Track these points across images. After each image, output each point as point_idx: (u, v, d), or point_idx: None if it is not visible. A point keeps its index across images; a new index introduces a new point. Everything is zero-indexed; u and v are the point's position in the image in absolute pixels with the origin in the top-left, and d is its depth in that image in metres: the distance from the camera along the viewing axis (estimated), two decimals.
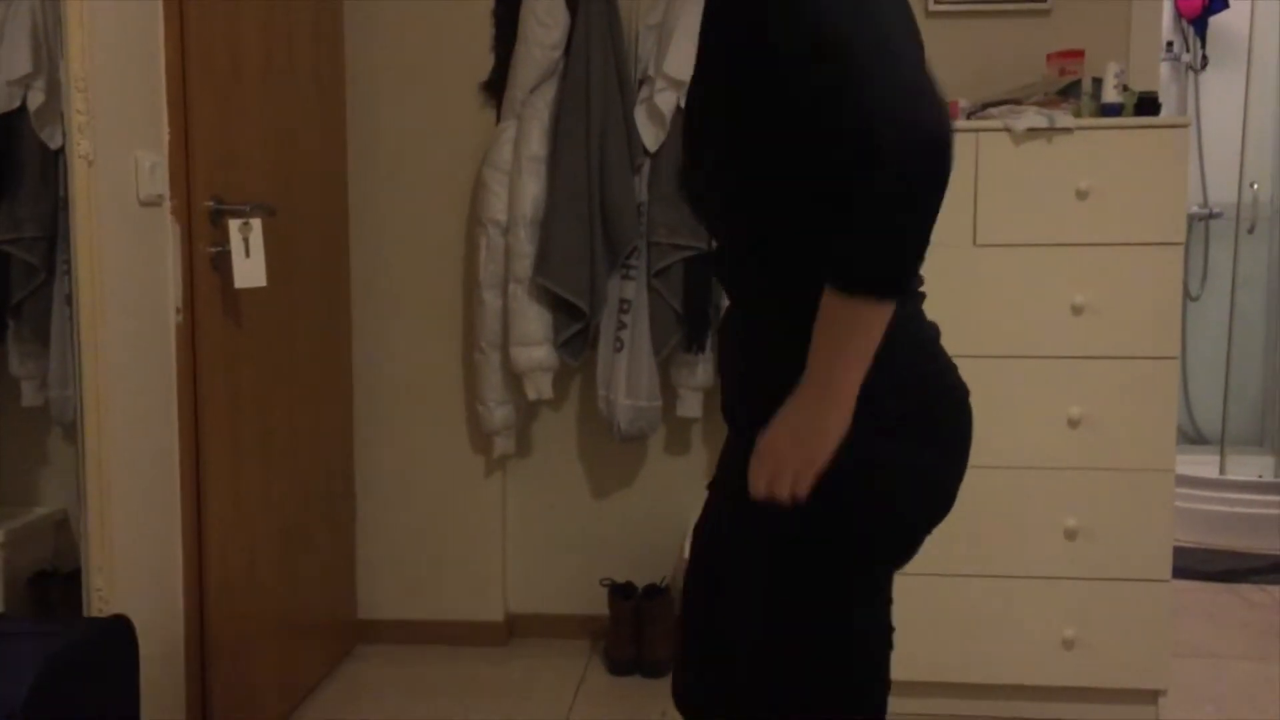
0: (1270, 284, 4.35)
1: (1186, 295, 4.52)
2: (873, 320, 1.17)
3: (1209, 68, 4.44)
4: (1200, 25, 4.40)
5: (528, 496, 3.42)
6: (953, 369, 1.39)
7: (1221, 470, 4.26)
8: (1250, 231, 4.38)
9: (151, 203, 2.21)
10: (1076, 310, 2.77)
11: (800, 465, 1.22)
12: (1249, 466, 4.30)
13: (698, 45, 1.38)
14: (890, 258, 1.16)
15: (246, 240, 2.39)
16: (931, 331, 1.41)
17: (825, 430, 1.21)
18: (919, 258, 1.19)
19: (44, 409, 2.25)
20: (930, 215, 1.14)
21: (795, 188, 1.28)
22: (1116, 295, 2.77)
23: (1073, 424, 2.79)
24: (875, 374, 1.21)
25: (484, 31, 3.24)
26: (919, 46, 1.20)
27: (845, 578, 1.32)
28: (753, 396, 1.35)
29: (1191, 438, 4.62)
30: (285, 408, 2.78)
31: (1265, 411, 4.43)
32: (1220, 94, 4.46)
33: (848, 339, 1.18)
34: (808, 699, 1.34)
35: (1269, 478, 4.18)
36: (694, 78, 1.38)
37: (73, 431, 2.08)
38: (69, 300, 2.06)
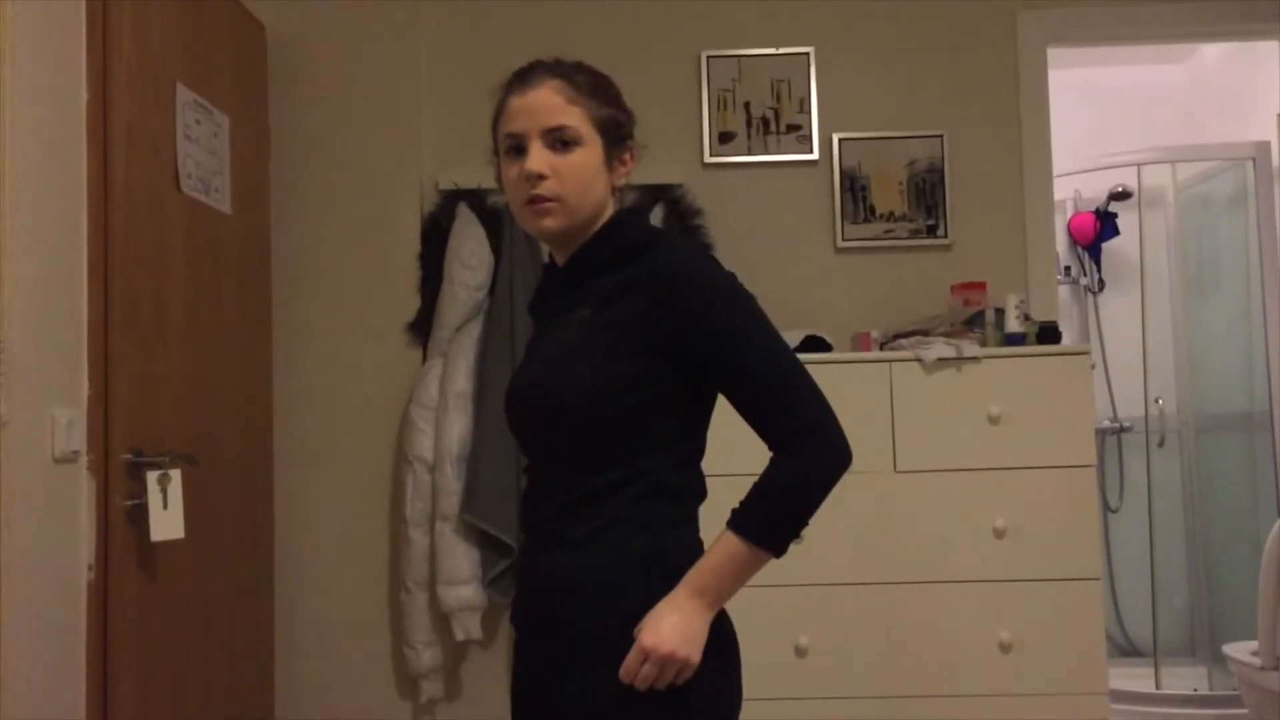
0: (1185, 494, 4.46)
1: (1106, 508, 4.61)
2: (758, 565, 1.48)
3: (1106, 289, 4.68)
4: (1095, 251, 4.66)
5: None
6: None
7: (1157, 684, 4.25)
8: (1160, 445, 4.52)
9: (67, 459, 2.18)
10: (999, 534, 2.81)
11: (684, 662, 1.43)
12: (1183, 679, 4.29)
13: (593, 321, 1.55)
14: (796, 529, 1.48)
15: (165, 491, 2.36)
16: None
17: (703, 636, 1.45)
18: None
19: None
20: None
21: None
22: (1036, 517, 2.82)
23: (1004, 649, 2.78)
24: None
25: (410, 274, 3.32)
26: None
27: None
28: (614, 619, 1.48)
29: (1125, 650, 4.61)
30: (200, 661, 2.68)
31: (1194, 621, 4.45)
32: (1119, 313, 4.68)
33: (742, 573, 1.47)
34: None
35: (1204, 690, 4.17)
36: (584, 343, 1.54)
37: None
38: None
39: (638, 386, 1.49)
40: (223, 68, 2.89)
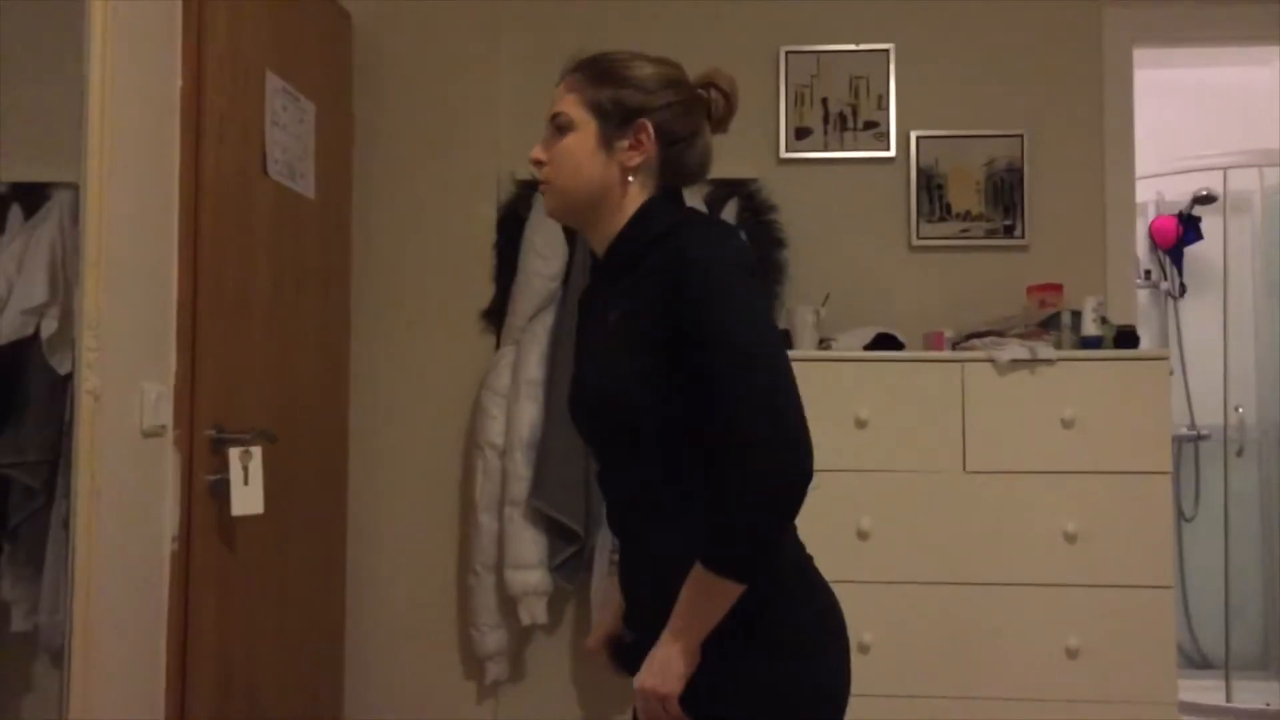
0: (1263, 505, 4.36)
1: (1181, 516, 4.53)
2: (727, 593, 1.41)
3: (1187, 295, 4.59)
4: (1176, 255, 4.57)
5: None
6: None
7: (1228, 697, 4.16)
8: (1239, 454, 4.43)
9: (154, 433, 2.26)
10: (1069, 538, 2.78)
11: (660, 697, 1.45)
12: (1255, 692, 4.20)
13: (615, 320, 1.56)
14: (751, 554, 1.40)
15: (246, 468, 2.43)
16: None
17: (679, 672, 1.44)
18: (770, 559, 1.44)
19: (33, 634, 2.23)
20: (782, 531, 1.43)
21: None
22: (1108, 523, 2.79)
23: (1071, 654, 2.76)
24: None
25: (485, 262, 3.37)
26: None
27: None
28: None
29: (1195, 661, 4.53)
30: (275, 635, 2.75)
31: (1268, 634, 4.36)
32: (1200, 319, 4.59)
33: (704, 604, 1.43)
34: None
35: (1276, 705, 4.08)
36: (607, 346, 1.56)
37: (60, 658, 2.06)
38: (66, 524, 2.08)
39: (665, 377, 1.48)
40: (310, 57, 2.96)
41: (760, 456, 1.36)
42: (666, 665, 1.45)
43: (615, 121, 1.58)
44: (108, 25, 2.09)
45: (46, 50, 2.08)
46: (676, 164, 1.61)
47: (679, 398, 1.47)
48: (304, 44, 2.92)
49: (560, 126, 1.59)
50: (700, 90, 1.64)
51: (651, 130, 1.57)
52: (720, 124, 1.66)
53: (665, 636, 1.46)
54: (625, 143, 1.58)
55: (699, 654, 1.45)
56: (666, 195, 1.61)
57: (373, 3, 3.38)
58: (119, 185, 2.13)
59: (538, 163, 1.62)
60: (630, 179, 1.58)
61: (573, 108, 1.58)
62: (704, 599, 1.43)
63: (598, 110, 1.58)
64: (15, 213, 2.05)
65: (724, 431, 1.39)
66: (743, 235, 1.59)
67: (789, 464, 1.37)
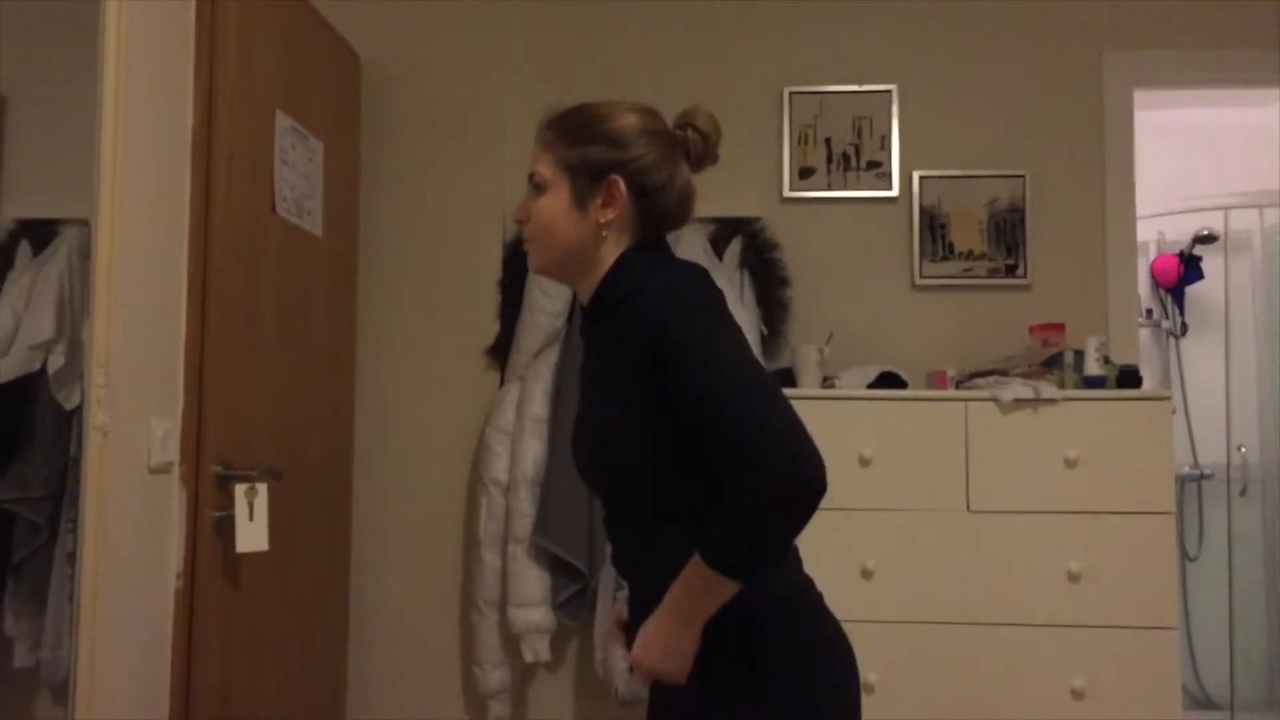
0: (1267, 545, 4.36)
1: (1184, 556, 4.52)
2: (724, 588, 1.44)
3: (1189, 334, 4.60)
4: (1178, 294, 4.59)
5: None
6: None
7: None
8: (1242, 494, 4.43)
9: (161, 470, 2.26)
10: (1073, 578, 2.78)
11: (654, 671, 1.51)
12: None
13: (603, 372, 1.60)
14: (750, 558, 1.41)
15: (251, 504, 2.43)
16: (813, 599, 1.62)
17: (686, 652, 1.49)
18: (774, 561, 1.49)
19: (35, 670, 2.23)
20: (789, 539, 1.43)
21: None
22: (1112, 563, 2.78)
23: (1076, 695, 2.75)
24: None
25: (490, 299, 3.39)
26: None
27: None
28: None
29: (1200, 702, 4.50)
30: (278, 672, 2.75)
31: (1273, 673, 4.34)
32: (1202, 358, 4.60)
33: (708, 592, 1.45)
34: None
35: None
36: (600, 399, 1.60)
37: (62, 693, 2.06)
38: (70, 559, 2.08)
39: (650, 429, 1.51)
40: (319, 96, 2.99)
41: (770, 471, 1.36)
42: (660, 642, 1.49)
43: (585, 179, 1.60)
44: (120, 64, 2.11)
45: (56, 88, 2.10)
46: (654, 212, 1.62)
47: (670, 449, 1.51)
48: (313, 83, 2.95)
49: (537, 186, 1.63)
50: (678, 131, 1.65)
51: (623, 185, 1.59)
52: (700, 163, 1.67)
53: (658, 613, 1.50)
54: (598, 200, 1.60)
55: (687, 634, 1.49)
56: (644, 245, 1.62)
57: (381, 43, 3.42)
58: (130, 223, 2.15)
59: (519, 222, 1.66)
60: (605, 234, 1.60)
61: (546, 167, 1.62)
62: (702, 587, 1.45)
63: (569, 169, 1.61)
64: (24, 249, 2.07)
65: (733, 464, 1.39)
66: (706, 273, 1.59)
67: (792, 481, 1.36)
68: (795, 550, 1.61)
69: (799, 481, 1.36)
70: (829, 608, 1.60)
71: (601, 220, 1.59)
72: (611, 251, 1.61)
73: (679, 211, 1.65)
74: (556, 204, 1.60)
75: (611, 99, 1.67)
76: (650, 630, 1.51)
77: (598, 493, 1.66)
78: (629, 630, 1.68)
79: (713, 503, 1.43)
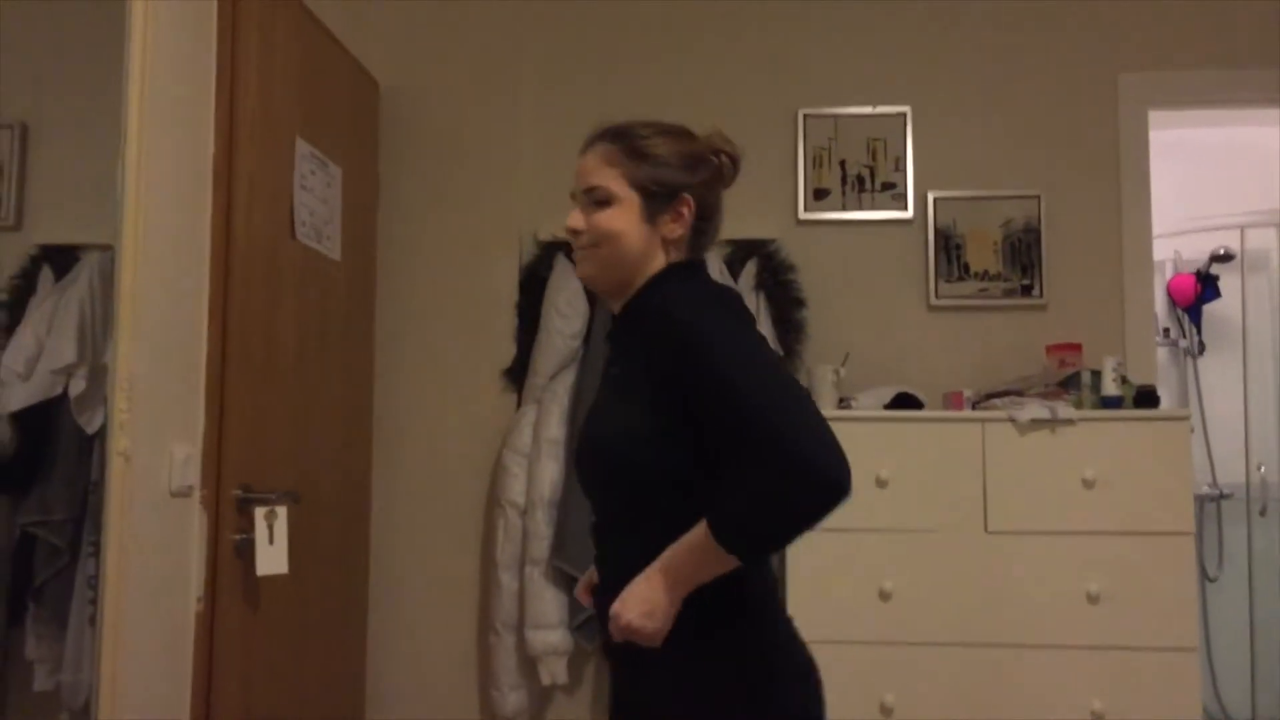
0: None
1: (1204, 577, 4.49)
2: (723, 562, 1.47)
3: (1206, 353, 4.58)
4: (1195, 313, 4.57)
5: None
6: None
7: None
8: (1262, 514, 4.40)
9: (181, 493, 2.28)
10: (1092, 599, 2.77)
11: (637, 630, 1.52)
12: None
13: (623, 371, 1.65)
14: (761, 542, 1.47)
15: (271, 527, 2.45)
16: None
17: (666, 614, 1.52)
18: (780, 549, 1.51)
19: (55, 693, 2.24)
20: (803, 531, 1.45)
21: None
22: (1131, 584, 2.77)
23: (1096, 718, 2.73)
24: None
25: (507, 322, 3.41)
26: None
27: None
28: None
29: None
30: (297, 694, 2.75)
31: None
32: (1220, 377, 4.58)
33: (706, 561, 1.48)
34: None
35: None
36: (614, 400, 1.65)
37: (83, 718, 2.07)
38: (91, 582, 2.10)
39: (657, 436, 1.55)
40: (338, 122, 3.02)
41: (801, 462, 1.40)
42: (647, 599, 1.52)
43: (661, 198, 1.67)
44: (143, 92, 2.14)
45: (79, 115, 2.13)
46: (708, 231, 1.73)
47: (677, 453, 1.54)
48: (332, 110, 2.98)
49: (599, 200, 1.67)
50: (712, 156, 1.72)
51: (693, 204, 1.68)
52: (727, 186, 1.76)
53: (649, 571, 1.53)
54: (668, 216, 1.67)
55: (671, 597, 1.51)
56: (690, 262, 1.71)
57: (400, 69, 3.45)
58: (153, 249, 2.17)
59: (575, 231, 1.69)
60: (667, 250, 1.69)
61: (613, 182, 1.66)
62: (702, 555, 1.48)
63: (640, 187, 1.67)
64: (46, 274, 2.09)
65: (760, 452, 1.42)
66: (739, 295, 1.71)
67: (821, 477, 1.40)
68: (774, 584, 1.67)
69: (828, 478, 1.40)
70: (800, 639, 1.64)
71: (669, 236, 1.68)
72: (658, 266, 1.69)
73: (716, 233, 1.76)
74: (626, 216, 1.66)
75: (655, 119, 1.73)
76: (637, 586, 1.53)
77: (591, 493, 1.70)
78: (598, 602, 1.71)
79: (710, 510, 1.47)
